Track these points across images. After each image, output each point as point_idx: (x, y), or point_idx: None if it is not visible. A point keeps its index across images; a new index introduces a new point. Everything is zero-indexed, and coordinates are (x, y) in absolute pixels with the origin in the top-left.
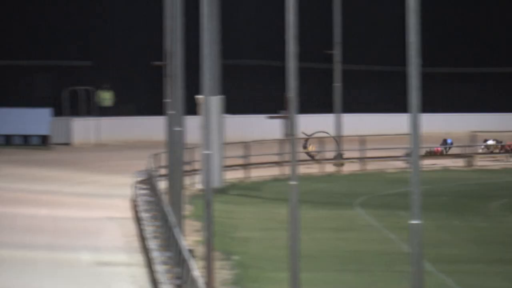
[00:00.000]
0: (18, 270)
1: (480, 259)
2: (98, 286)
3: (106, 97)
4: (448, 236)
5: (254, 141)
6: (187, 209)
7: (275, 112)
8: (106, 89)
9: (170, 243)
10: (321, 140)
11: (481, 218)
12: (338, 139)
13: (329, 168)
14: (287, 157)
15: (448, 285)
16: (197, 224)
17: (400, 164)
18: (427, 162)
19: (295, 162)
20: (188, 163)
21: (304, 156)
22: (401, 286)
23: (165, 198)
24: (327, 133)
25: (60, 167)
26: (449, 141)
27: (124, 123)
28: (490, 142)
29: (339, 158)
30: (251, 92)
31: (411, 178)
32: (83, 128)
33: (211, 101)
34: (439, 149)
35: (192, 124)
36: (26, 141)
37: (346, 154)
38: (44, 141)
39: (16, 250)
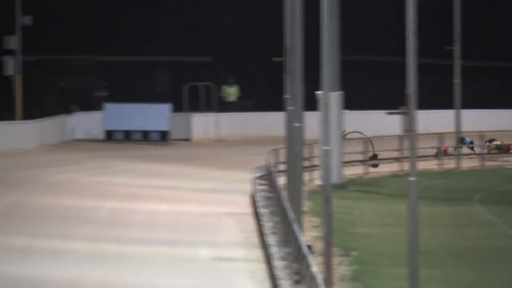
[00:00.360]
0: (137, 265)
1: None
2: (217, 282)
3: (231, 92)
4: None
5: (373, 137)
6: (306, 204)
7: (395, 108)
8: (231, 84)
9: (289, 239)
10: (440, 137)
11: None
12: (372, 140)
13: (449, 164)
14: (406, 153)
15: None
16: (316, 220)
17: None
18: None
19: (414, 158)
20: (307, 158)
21: (424, 152)
22: None
23: (284, 194)
24: (360, 133)
25: (179, 162)
26: (467, 139)
27: (243, 118)
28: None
29: (374, 159)
30: (371, 88)
31: None
32: (203, 124)
33: (331, 97)
34: (447, 148)
35: (311, 120)
36: (145, 137)
37: (464, 150)
38: (163, 137)
39: (136, 246)
